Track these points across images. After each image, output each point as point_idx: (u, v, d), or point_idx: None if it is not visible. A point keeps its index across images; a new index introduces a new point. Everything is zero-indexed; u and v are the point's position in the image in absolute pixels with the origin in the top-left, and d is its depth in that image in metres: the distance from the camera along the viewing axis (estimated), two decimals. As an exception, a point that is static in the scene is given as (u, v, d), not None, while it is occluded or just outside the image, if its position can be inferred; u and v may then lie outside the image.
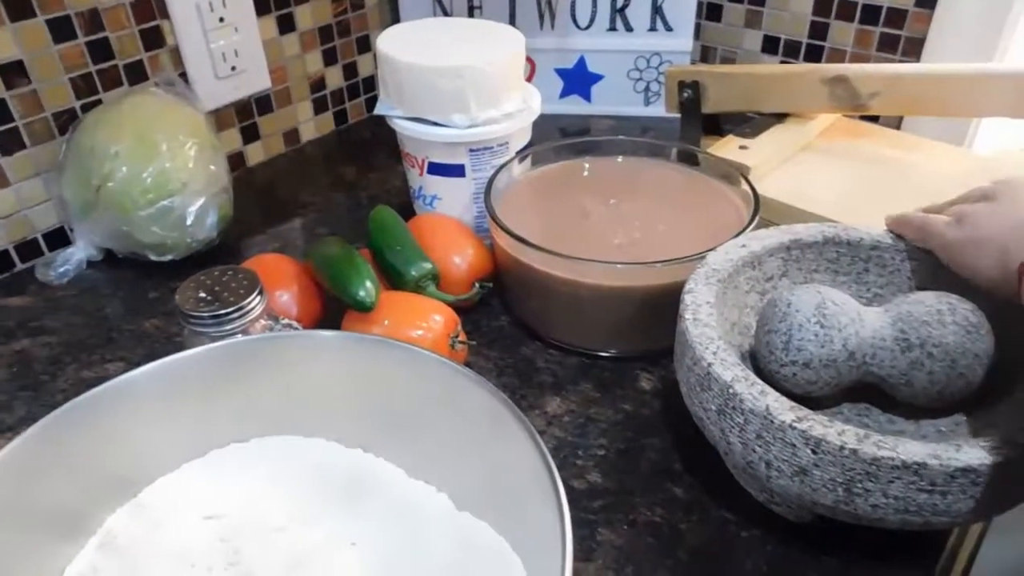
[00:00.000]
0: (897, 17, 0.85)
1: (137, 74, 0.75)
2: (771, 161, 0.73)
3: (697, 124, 0.80)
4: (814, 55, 0.93)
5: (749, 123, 0.78)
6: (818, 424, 0.39)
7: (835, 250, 0.53)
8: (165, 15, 0.75)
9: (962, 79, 0.68)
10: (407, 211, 0.69)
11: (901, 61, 0.87)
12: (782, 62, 0.95)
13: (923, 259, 0.51)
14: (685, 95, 0.78)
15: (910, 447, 0.38)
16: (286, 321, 0.52)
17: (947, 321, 0.44)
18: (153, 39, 0.75)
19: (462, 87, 0.61)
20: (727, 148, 0.73)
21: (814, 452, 0.39)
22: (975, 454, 0.38)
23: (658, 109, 0.97)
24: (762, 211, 0.59)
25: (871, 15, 0.86)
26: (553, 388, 0.57)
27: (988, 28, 0.79)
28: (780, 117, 0.79)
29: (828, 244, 0.53)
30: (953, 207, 0.50)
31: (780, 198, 0.68)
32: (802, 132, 0.77)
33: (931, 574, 0.46)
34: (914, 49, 0.85)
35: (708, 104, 0.79)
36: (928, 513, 0.39)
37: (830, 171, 0.73)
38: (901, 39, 0.86)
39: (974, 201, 0.49)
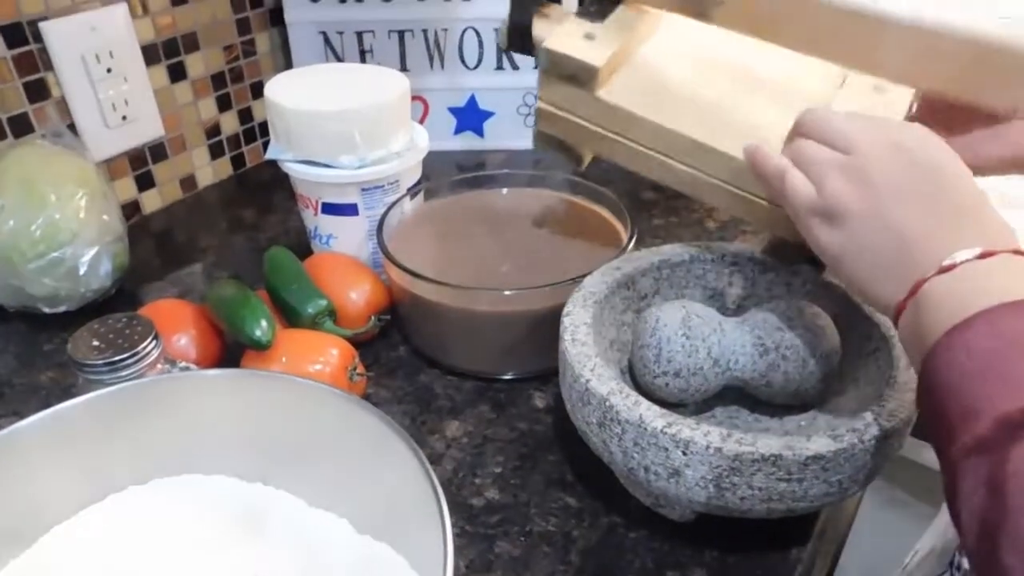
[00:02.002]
0: None
1: (22, 127, 0.75)
2: (619, 55, 0.55)
3: None
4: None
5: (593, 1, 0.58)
6: (686, 428, 0.43)
7: (701, 267, 0.58)
8: (49, 67, 0.75)
9: (829, 8, 0.49)
10: (305, 251, 0.71)
11: None
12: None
13: (777, 270, 0.56)
14: None
15: (767, 441, 0.42)
16: (184, 364, 0.53)
17: (796, 325, 0.49)
18: (37, 91, 0.75)
19: (349, 129, 0.63)
20: (571, 36, 0.54)
21: (684, 453, 0.43)
22: (823, 443, 0.42)
23: (548, 142, 1.02)
24: (613, 124, 0.53)
25: None
26: (451, 412, 0.60)
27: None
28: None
29: (695, 262, 0.58)
30: (813, 168, 0.43)
31: (636, 109, 0.53)
32: (646, 21, 0.58)
33: (802, 556, 0.50)
34: None
35: None
36: (789, 500, 0.43)
37: (682, 68, 0.58)
38: None
39: (830, 158, 0.42)
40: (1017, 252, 0.36)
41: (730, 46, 0.57)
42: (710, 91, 0.56)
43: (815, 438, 0.42)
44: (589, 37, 0.54)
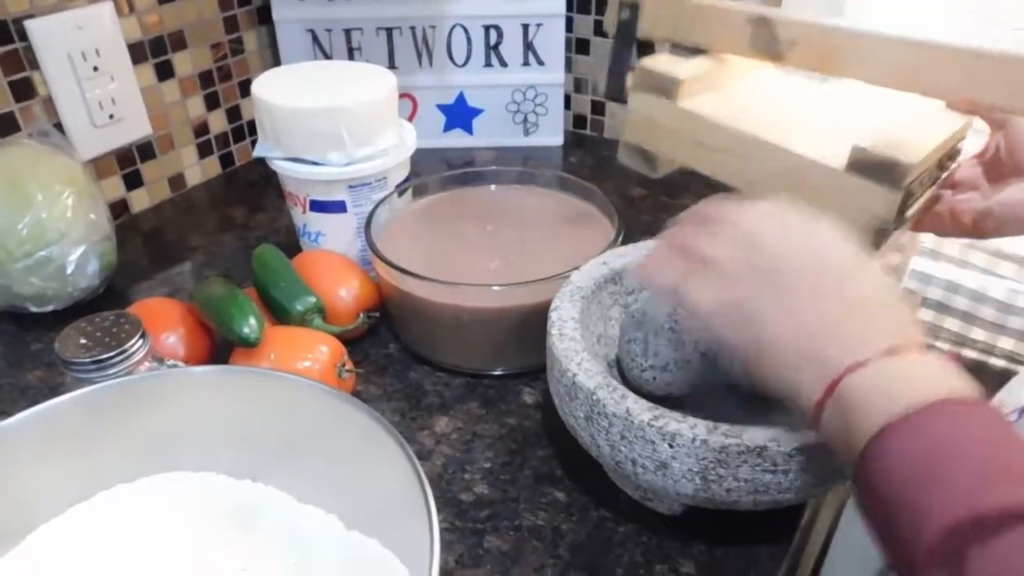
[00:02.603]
0: None
1: (8, 126, 0.74)
2: (703, 82, 0.65)
3: (630, 48, 0.73)
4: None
5: (685, 50, 0.69)
6: (672, 420, 0.43)
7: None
8: (35, 66, 0.75)
9: (889, 43, 0.59)
10: (294, 249, 0.71)
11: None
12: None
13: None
14: (624, 15, 0.72)
15: (753, 433, 0.42)
16: (172, 362, 0.53)
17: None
18: (23, 90, 0.75)
19: (336, 127, 0.63)
20: (661, 62, 0.66)
21: (671, 446, 0.43)
22: (808, 435, 0.42)
23: (537, 139, 1.02)
24: (696, 129, 0.59)
25: None
26: (441, 409, 0.60)
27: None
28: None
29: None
30: (712, 273, 0.41)
31: (712, 116, 0.61)
32: (729, 66, 0.68)
33: (790, 548, 0.50)
34: None
35: (644, 27, 0.71)
36: (775, 491, 0.44)
37: (759, 100, 0.67)
38: None
39: (728, 264, 0.40)
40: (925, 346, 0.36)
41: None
42: (783, 117, 0.63)
43: (801, 430, 0.42)
44: (676, 63, 0.64)
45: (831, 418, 0.36)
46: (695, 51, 0.69)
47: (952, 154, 0.63)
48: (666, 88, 0.61)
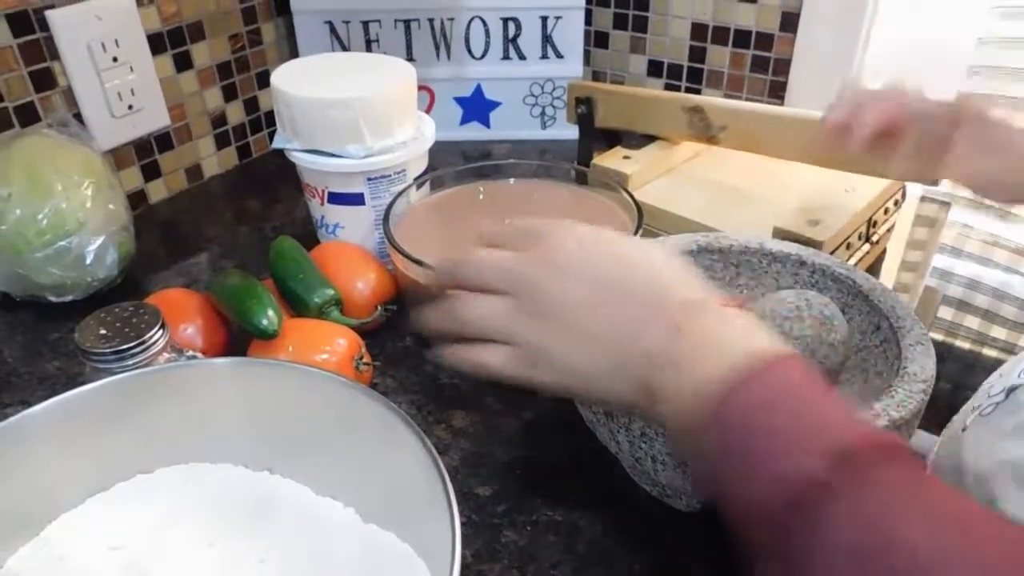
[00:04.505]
0: (765, 40, 0.92)
1: (28, 116, 0.75)
2: (650, 171, 0.78)
3: (591, 137, 0.84)
4: (694, 77, 0.99)
5: (637, 139, 0.82)
6: (693, 416, 0.43)
7: (709, 258, 0.58)
8: (56, 57, 0.75)
9: (790, 121, 0.71)
10: (312, 241, 0.71)
11: (773, 80, 0.93)
12: (666, 85, 1.02)
13: (785, 261, 0.56)
14: (580, 109, 0.83)
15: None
16: (190, 353, 0.53)
17: (804, 316, 0.49)
18: (44, 80, 0.75)
19: (355, 118, 0.63)
20: (613, 158, 0.78)
21: (691, 443, 0.43)
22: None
23: (555, 132, 1.01)
24: (646, 212, 0.63)
25: (742, 39, 0.93)
26: (458, 402, 0.60)
27: (843, 48, 0.87)
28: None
29: (702, 253, 0.57)
30: (492, 326, 0.40)
31: (656, 203, 0.73)
32: (676, 152, 0.81)
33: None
34: (783, 69, 0.92)
35: (599, 119, 0.83)
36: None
37: (702, 183, 0.78)
38: (771, 61, 0.93)
39: (502, 312, 0.40)
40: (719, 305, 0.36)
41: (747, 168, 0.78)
42: (721, 197, 0.76)
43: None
44: (626, 158, 0.78)
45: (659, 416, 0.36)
46: (647, 137, 0.82)
47: (886, 208, 0.75)
48: (617, 181, 0.69)
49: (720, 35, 0.94)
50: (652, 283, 0.38)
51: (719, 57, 0.96)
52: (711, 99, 0.76)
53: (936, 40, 0.86)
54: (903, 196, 0.76)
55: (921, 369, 0.45)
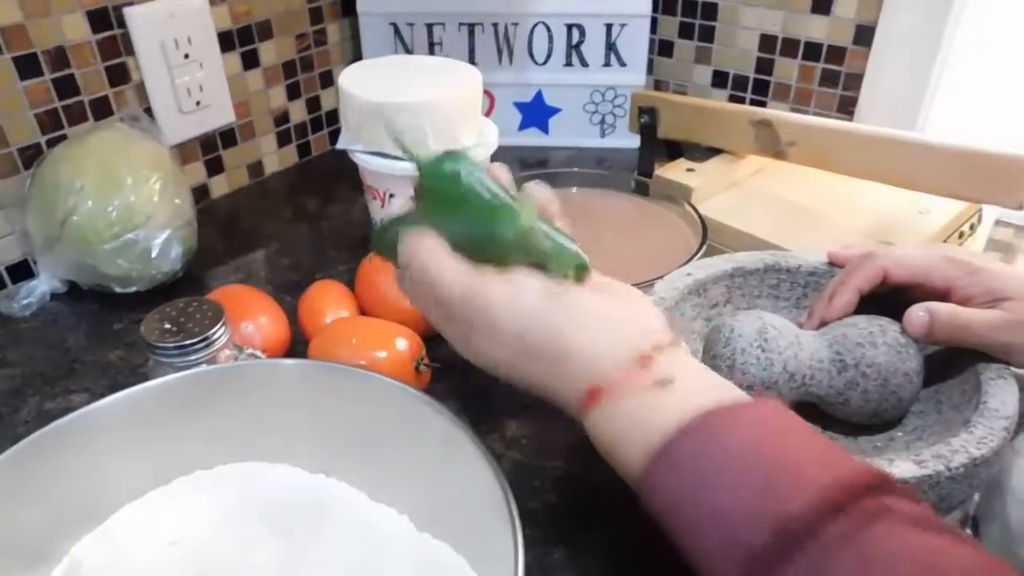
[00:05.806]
0: (837, 54, 0.89)
1: (102, 109, 0.76)
2: (714, 185, 0.77)
3: (652, 148, 0.84)
4: (760, 89, 0.97)
5: (700, 151, 0.82)
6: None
7: (776, 277, 0.56)
8: (131, 52, 0.77)
9: (865, 139, 0.70)
10: (367, 241, 0.71)
11: (843, 95, 0.91)
12: (730, 96, 1.00)
13: (857, 284, 0.54)
14: (643, 119, 0.83)
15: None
16: (251, 351, 0.53)
17: (879, 342, 0.47)
18: (118, 75, 0.77)
19: (419, 122, 0.63)
20: (676, 169, 0.78)
21: (754, 468, 0.41)
22: (906, 467, 0.40)
23: (614, 140, 1.00)
24: (710, 227, 0.63)
25: (813, 52, 0.91)
26: (512, 412, 0.59)
27: (919, 66, 0.84)
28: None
29: (769, 271, 0.56)
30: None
31: (721, 219, 0.71)
32: (740, 166, 0.81)
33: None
34: (854, 84, 0.90)
35: (662, 129, 0.82)
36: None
37: (768, 199, 0.77)
38: (841, 75, 0.90)
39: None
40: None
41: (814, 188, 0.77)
42: (787, 213, 0.75)
43: (898, 462, 0.40)
44: (690, 170, 0.77)
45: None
46: (710, 149, 0.81)
47: (961, 231, 0.73)
48: (680, 195, 0.69)
49: (789, 47, 0.92)
50: (557, 336, 0.39)
51: (787, 69, 0.94)
52: (780, 113, 0.75)
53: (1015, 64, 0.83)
54: (979, 219, 0.74)
55: (1003, 405, 0.43)
